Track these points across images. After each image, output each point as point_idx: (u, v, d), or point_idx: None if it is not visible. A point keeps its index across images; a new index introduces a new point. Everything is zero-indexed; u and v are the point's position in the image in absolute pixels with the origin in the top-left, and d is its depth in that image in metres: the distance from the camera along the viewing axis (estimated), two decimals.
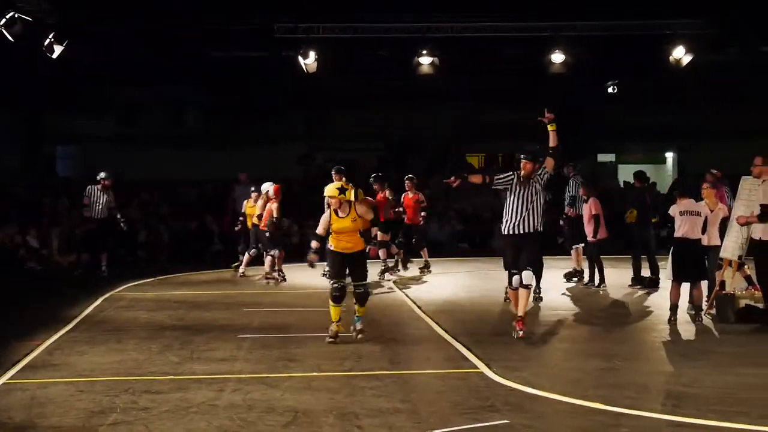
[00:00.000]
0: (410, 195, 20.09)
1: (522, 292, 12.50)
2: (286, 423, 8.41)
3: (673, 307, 13.80)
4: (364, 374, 10.33)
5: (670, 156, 37.01)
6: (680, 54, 22.92)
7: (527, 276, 12.40)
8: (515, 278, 12.49)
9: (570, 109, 32.08)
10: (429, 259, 20.43)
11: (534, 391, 9.54)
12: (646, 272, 18.02)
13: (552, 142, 12.82)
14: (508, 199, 12.50)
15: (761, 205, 12.92)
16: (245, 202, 20.71)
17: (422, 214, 20.22)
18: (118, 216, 20.76)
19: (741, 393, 9.44)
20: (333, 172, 19.54)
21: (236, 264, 20.78)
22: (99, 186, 20.47)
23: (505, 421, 8.40)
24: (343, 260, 12.44)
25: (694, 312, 13.99)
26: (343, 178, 19.31)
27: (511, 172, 12.58)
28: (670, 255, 14.05)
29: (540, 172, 12.59)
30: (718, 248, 14.52)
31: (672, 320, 13.73)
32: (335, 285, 12.37)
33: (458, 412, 8.78)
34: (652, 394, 9.63)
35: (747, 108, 32.23)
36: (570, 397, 9.28)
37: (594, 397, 9.24)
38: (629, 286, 17.95)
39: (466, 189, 14.37)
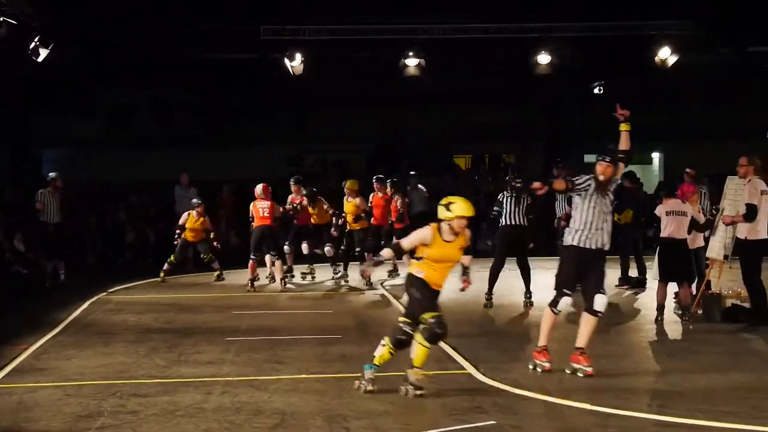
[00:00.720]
0: (379, 195, 19.70)
1: (590, 319, 10.58)
2: (274, 425, 8.41)
3: (660, 307, 13.86)
4: (353, 376, 10.30)
5: (656, 156, 37.09)
6: (666, 54, 22.97)
7: (601, 302, 10.50)
8: (565, 300, 10.73)
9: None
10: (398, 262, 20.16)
11: (522, 391, 9.57)
12: (633, 272, 18.07)
13: (624, 144, 11.44)
14: (579, 207, 10.71)
15: (747, 205, 12.96)
16: (186, 215, 19.86)
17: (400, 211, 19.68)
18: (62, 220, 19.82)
19: (728, 392, 9.47)
20: (292, 182, 19.46)
21: (164, 273, 19.79)
22: (50, 188, 19.62)
23: (493, 422, 8.43)
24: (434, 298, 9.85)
25: (680, 312, 14.05)
26: (302, 190, 19.26)
27: (589, 177, 10.82)
28: (657, 255, 14.10)
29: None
30: (703, 249, 14.59)
31: (659, 320, 13.78)
32: (406, 328, 9.67)
33: (446, 413, 8.80)
34: (640, 394, 9.67)
35: (733, 109, 32.33)
36: (557, 397, 9.30)
37: (581, 397, 9.27)
38: (616, 286, 17.97)
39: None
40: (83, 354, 11.95)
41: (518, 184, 15.05)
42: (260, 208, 18.42)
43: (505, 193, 15.45)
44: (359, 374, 9.89)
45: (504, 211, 15.45)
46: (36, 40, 19.91)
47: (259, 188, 18.63)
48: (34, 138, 31.50)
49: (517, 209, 15.33)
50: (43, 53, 20.08)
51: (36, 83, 26.72)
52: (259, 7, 22.00)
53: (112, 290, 18.44)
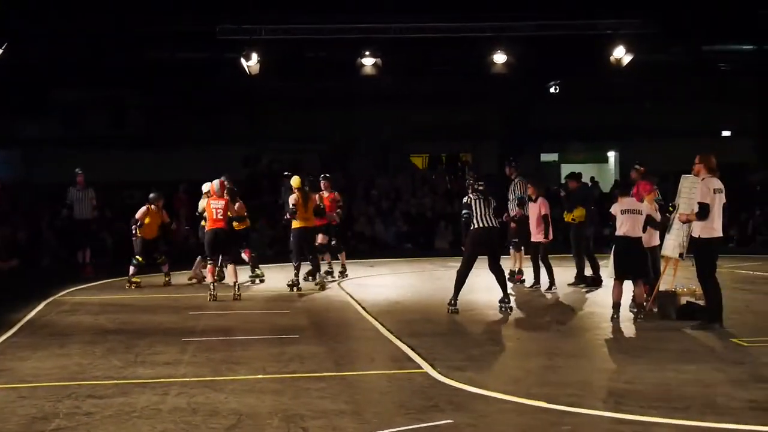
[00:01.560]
0: (326, 194, 19.52)
1: None
2: (230, 426, 8.39)
3: (616, 305, 13.91)
4: (309, 376, 10.32)
5: (612, 155, 37.35)
6: (621, 54, 23.15)
7: None
8: None
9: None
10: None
11: (478, 390, 9.59)
12: (587, 271, 18.16)
13: None
14: None
15: (699, 204, 13.05)
16: (145, 209, 19.06)
17: (337, 211, 19.70)
18: None
19: (681, 389, 9.54)
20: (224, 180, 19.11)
21: (132, 275, 19.05)
22: None
23: (449, 421, 8.44)
24: None
25: (636, 310, 14.12)
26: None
27: None
28: (612, 253, 14.17)
29: None
30: (659, 247, 14.68)
31: (614, 318, 13.84)
32: None
33: (402, 412, 8.80)
34: (595, 392, 9.72)
35: (689, 107, 32.65)
36: (513, 395, 9.33)
37: (537, 395, 9.30)
38: (569, 284, 18.04)
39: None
40: (38, 355, 11.85)
41: (481, 187, 15.00)
42: (214, 209, 17.20)
43: (471, 195, 15.02)
44: (316, 373, 9.84)
45: (474, 213, 14.87)
46: None
47: (215, 184, 17.51)
48: None
49: (487, 211, 14.88)
50: None
51: None
52: (214, 7, 21.96)
53: (67, 291, 18.32)
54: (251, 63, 22.57)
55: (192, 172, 27.66)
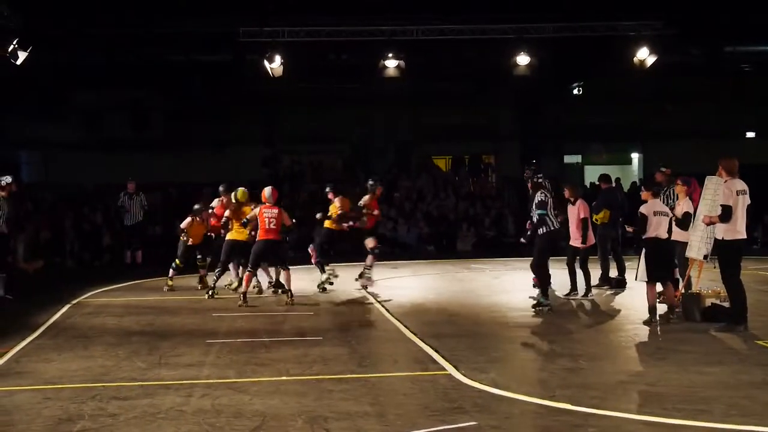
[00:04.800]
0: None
1: None
2: (255, 427, 8.42)
3: (652, 309, 13.67)
4: (333, 378, 10.34)
5: (635, 156, 37.24)
6: (644, 55, 23.09)
7: None
8: None
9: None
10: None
11: (501, 392, 9.59)
12: (613, 273, 18.11)
13: None
14: None
15: (721, 206, 13.00)
16: (190, 220, 18.80)
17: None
18: None
19: (705, 391, 9.52)
20: (221, 190, 18.85)
21: (170, 278, 18.96)
22: None
23: (473, 423, 8.44)
24: None
25: (666, 311, 14.00)
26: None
27: None
28: (643, 255, 13.99)
29: None
30: (684, 244, 14.54)
31: (653, 321, 13.66)
32: None
33: (426, 414, 8.81)
34: (618, 394, 9.70)
35: (712, 108, 32.51)
36: (537, 397, 9.33)
37: (561, 397, 9.30)
38: (593, 286, 17.94)
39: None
40: (63, 357, 11.91)
41: (546, 183, 14.80)
42: (267, 218, 16.46)
43: (546, 193, 15.13)
44: (339, 375, 9.84)
45: (550, 214, 15.08)
46: (14, 42, 19.73)
47: (267, 191, 16.80)
48: (7, 141, 31.24)
49: (554, 211, 15.13)
50: (22, 56, 19.89)
51: (8, 85, 26.51)
52: (234, 10, 21.99)
53: (91, 293, 18.38)
54: (275, 65, 22.59)
55: (212, 173, 27.73)
